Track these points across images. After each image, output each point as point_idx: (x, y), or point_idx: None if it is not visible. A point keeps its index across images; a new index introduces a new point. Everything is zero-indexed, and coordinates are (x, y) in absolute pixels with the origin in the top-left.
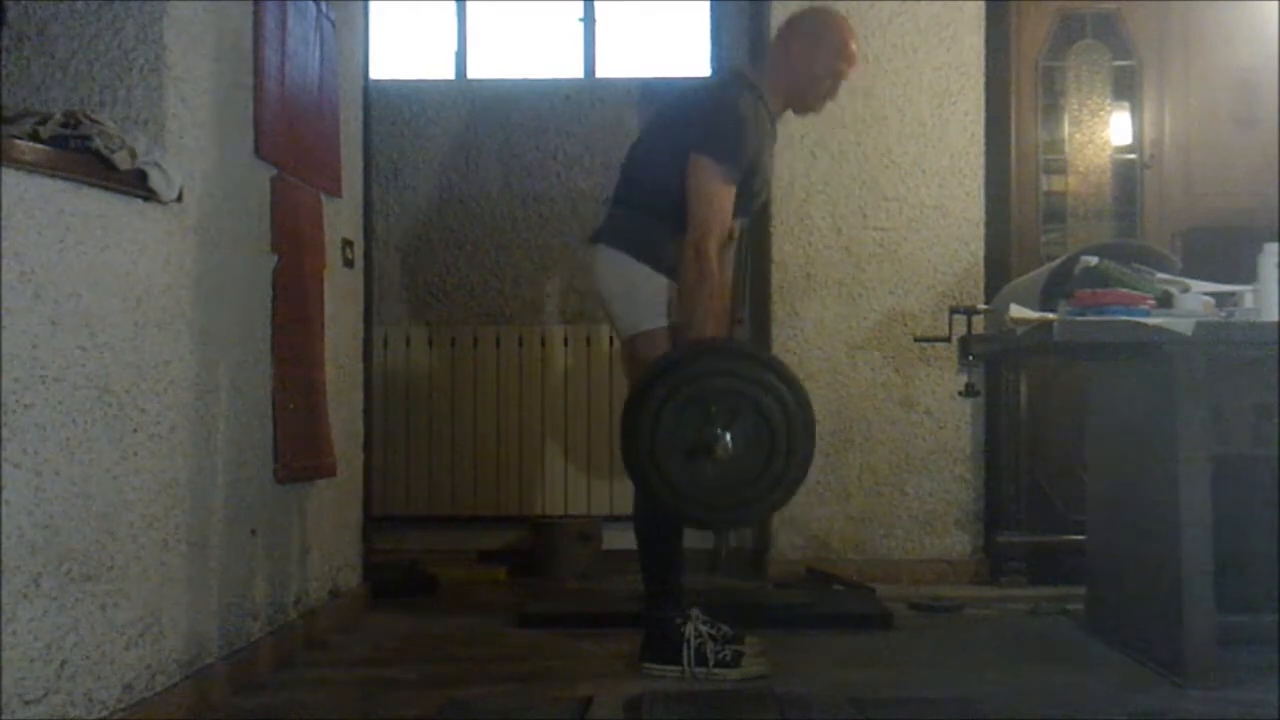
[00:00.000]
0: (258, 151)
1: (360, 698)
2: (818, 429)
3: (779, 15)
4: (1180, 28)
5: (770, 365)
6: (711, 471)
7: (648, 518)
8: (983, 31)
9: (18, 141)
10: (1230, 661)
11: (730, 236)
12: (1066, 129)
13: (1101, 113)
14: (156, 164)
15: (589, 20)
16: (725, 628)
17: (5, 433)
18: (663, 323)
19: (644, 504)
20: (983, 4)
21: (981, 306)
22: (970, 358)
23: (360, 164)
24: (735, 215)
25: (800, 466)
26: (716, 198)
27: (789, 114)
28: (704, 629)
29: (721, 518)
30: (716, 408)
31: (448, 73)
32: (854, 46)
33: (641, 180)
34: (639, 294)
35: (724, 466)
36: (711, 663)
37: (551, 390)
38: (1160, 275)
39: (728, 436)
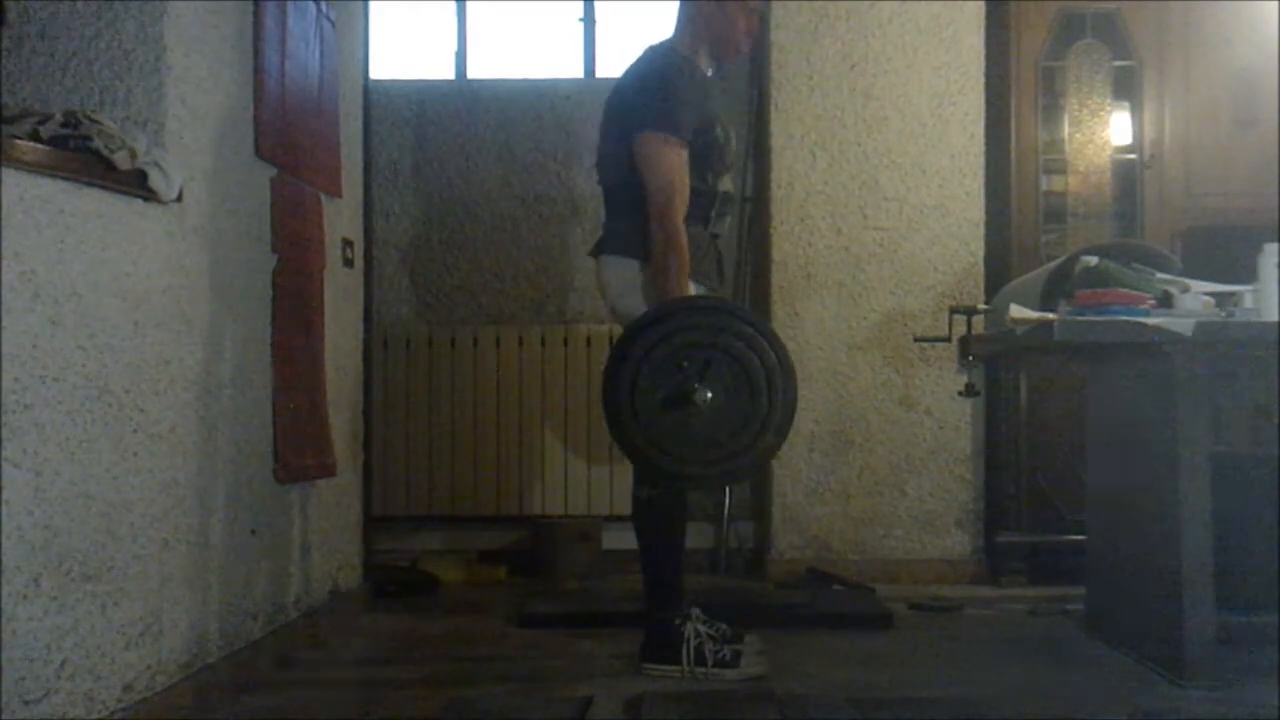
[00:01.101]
0: (258, 151)
1: (360, 698)
2: (818, 428)
3: (779, 15)
4: (1180, 28)
5: (737, 313)
6: (697, 425)
7: (647, 517)
8: (983, 31)
9: (18, 141)
10: (1230, 661)
11: (715, 199)
12: (1066, 129)
13: (1101, 113)
14: (156, 164)
15: (589, 20)
16: (725, 628)
17: (5, 433)
18: None
19: (643, 503)
20: (983, 4)
21: (981, 306)
22: (970, 358)
23: (360, 164)
24: (715, 171)
25: (785, 407)
26: (667, 163)
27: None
28: (703, 629)
29: (715, 471)
30: (689, 361)
31: (448, 73)
32: None
33: (609, 183)
34: (640, 290)
35: (709, 418)
36: (711, 663)
37: (551, 390)
38: (1160, 275)
39: (705, 387)
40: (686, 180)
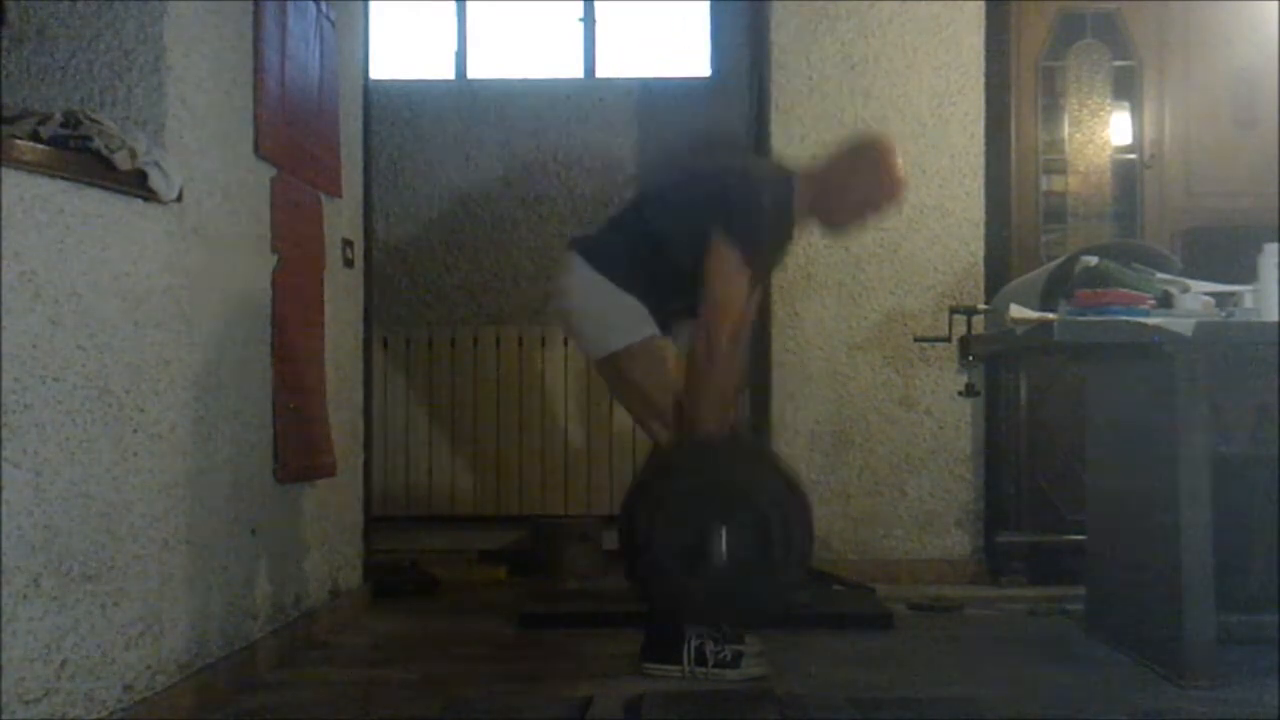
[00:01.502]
0: (258, 151)
1: (360, 698)
2: (818, 428)
3: (779, 15)
4: (1180, 28)
5: (766, 460)
6: (711, 573)
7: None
8: (983, 31)
9: (18, 141)
10: (1230, 661)
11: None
12: (1066, 129)
13: (1101, 113)
14: (156, 164)
15: (589, 20)
16: (725, 628)
17: (5, 433)
18: (641, 336)
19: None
20: (983, 4)
21: (981, 306)
22: (970, 358)
23: (360, 164)
24: None
25: (800, 556)
26: (735, 286)
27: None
28: (704, 629)
29: (728, 616)
30: (710, 509)
31: (448, 73)
32: (902, 185)
33: (647, 220)
34: (606, 310)
35: (722, 567)
36: (711, 663)
37: (551, 390)
38: (1160, 275)
39: (723, 536)
40: (744, 307)
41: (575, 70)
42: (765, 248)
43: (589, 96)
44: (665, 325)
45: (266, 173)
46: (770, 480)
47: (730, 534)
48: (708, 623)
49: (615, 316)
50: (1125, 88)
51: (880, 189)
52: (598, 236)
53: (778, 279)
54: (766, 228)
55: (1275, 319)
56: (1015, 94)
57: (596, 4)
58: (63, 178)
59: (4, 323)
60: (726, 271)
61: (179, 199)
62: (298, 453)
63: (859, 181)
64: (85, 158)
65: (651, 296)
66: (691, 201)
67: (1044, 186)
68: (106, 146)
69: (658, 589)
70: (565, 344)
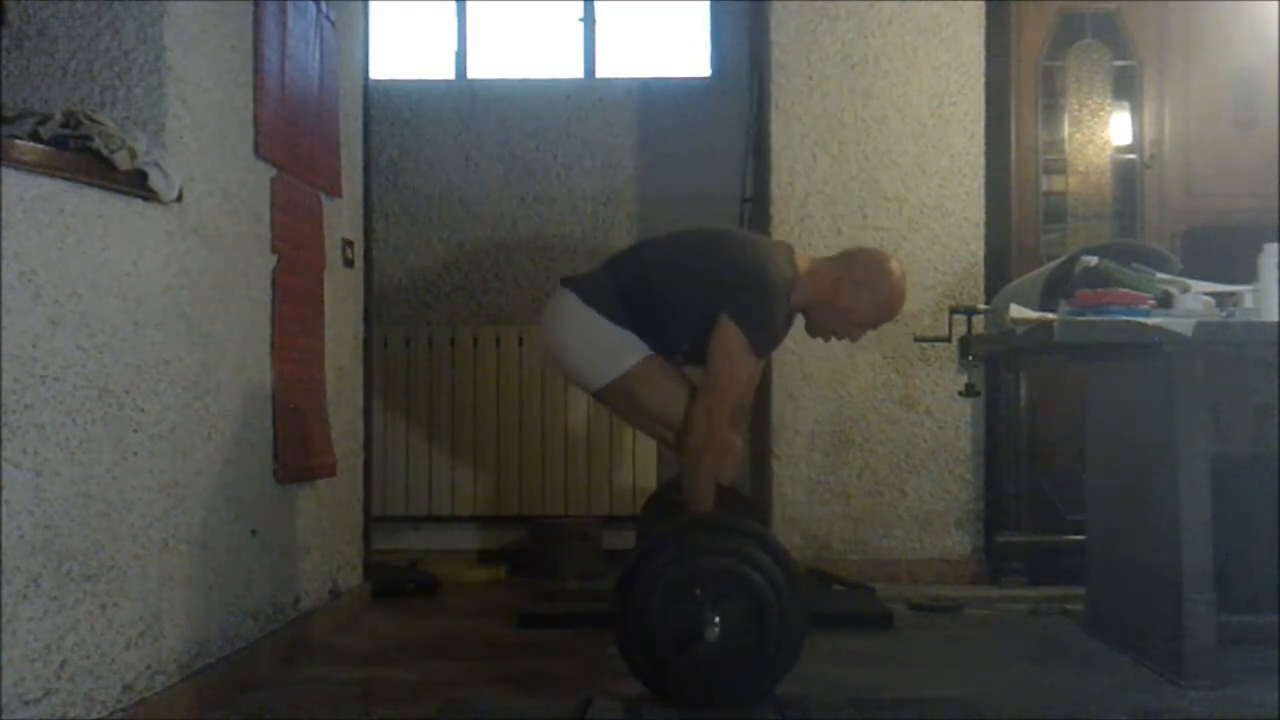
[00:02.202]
0: (258, 151)
1: (360, 698)
2: (818, 428)
3: (779, 15)
4: (1180, 28)
5: (762, 541)
6: (703, 653)
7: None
8: (983, 31)
9: (18, 141)
10: (1230, 661)
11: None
12: (1066, 129)
13: (1101, 113)
14: (156, 164)
15: (589, 20)
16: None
17: (5, 433)
18: (644, 353)
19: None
20: (983, 4)
21: (981, 306)
22: (970, 358)
23: (360, 164)
24: None
25: (794, 640)
26: (739, 367)
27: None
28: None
29: (718, 695)
30: (704, 591)
31: (448, 73)
32: (902, 304)
33: (647, 277)
34: (602, 341)
35: (715, 648)
36: None
37: (552, 390)
38: (1160, 275)
39: (716, 620)
40: (744, 390)
41: (575, 70)
42: (772, 337)
43: (589, 96)
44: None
45: (266, 173)
46: (767, 568)
47: (724, 620)
48: (696, 705)
49: (608, 345)
50: (1125, 88)
51: (883, 314)
52: (593, 276)
53: None
54: (776, 318)
55: (1275, 319)
56: (1015, 94)
57: (596, 4)
58: (63, 178)
59: (4, 323)
60: (734, 352)
61: (179, 199)
62: (298, 453)
63: (863, 304)
64: (85, 158)
65: (644, 338)
66: (704, 273)
67: (1044, 186)
68: (106, 146)
69: (649, 671)
70: None
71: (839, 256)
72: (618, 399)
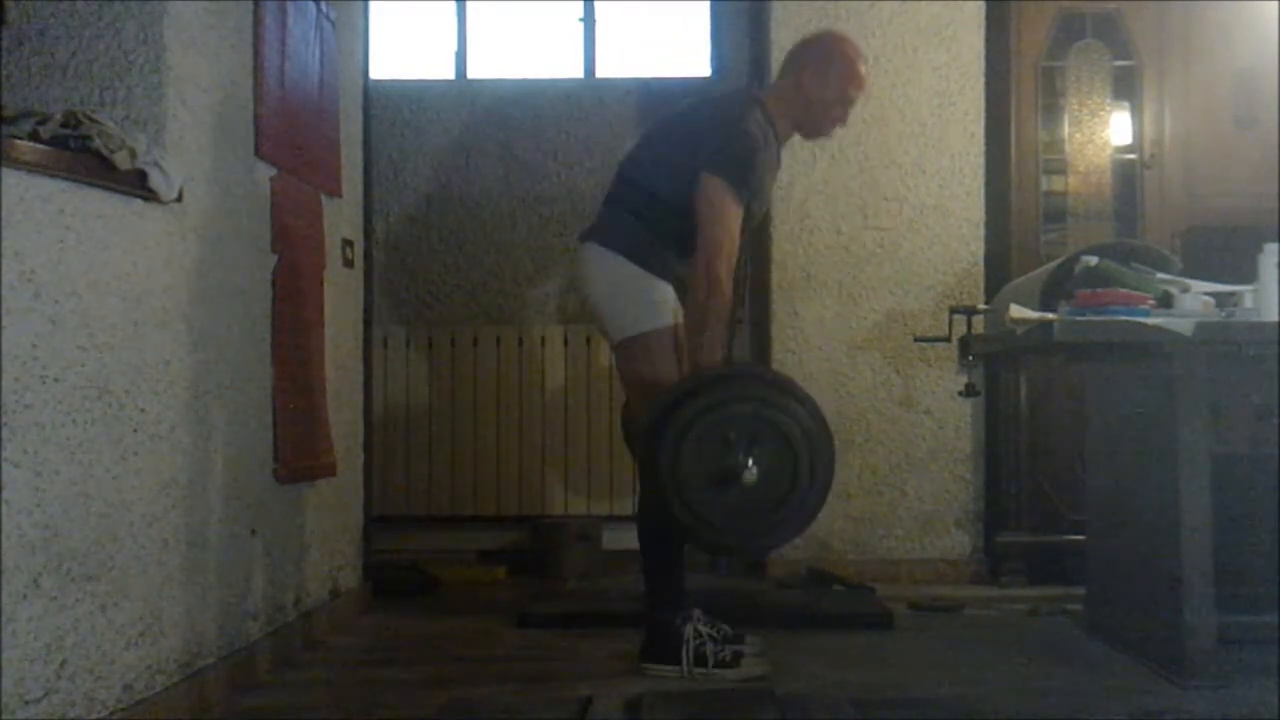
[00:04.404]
0: (258, 151)
1: (360, 698)
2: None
3: (779, 15)
4: (1180, 28)
5: (786, 388)
6: (738, 499)
7: (651, 518)
8: (983, 31)
9: (18, 141)
10: (1230, 661)
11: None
12: (1066, 129)
13: (1101, 113)
14: (156, 164)
15: (589, 20)
16: (725, 628)
17: (5, 433)
18: (663, 324)
19: (649, 504)
20: (983, 4)
21: (981, 306)
22: (970, 358)
23: (360, 164)
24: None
25: (826, 477)
26: (728, 218)
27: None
28: (704, 629)
29: (752, 544)
30: (736, 434)
31: (448, 73)
32: (864, 70)
33: (641, 186)
34: (631, 294)
35: (749, 493)
36: (711, 663)
37: (551, 390)
38: (1160, 275)
39: (752, 462)
40: (738, 240)
41: (575, 70)
42: (751, 175)
43: (589, 96)
44: (682, 291)
45: (266, 173)
46: (794, 406)
47: (758, 460)
48: (728, 549)
49: (641, 299)
50: (1125, 88)
51: (848, 81)
52: (601, 221)
53: (778, 279)
54: (750, 154)
55: (1275, 319)
56: (1015, 94)
57: (596, 4)
58: (63, 178)
59: (4, 323)
60: (717, 204)
61: (179, 199)
62: (298, 453)
63: (833, 80)
64: (85, 158)
65: (670, 257)
66: (675, 147)
67: (1044, 186)
68: (106, 146)
69: (683, 514)
70: (565, 344)
71: (784, 62)
72: (627, 354)
